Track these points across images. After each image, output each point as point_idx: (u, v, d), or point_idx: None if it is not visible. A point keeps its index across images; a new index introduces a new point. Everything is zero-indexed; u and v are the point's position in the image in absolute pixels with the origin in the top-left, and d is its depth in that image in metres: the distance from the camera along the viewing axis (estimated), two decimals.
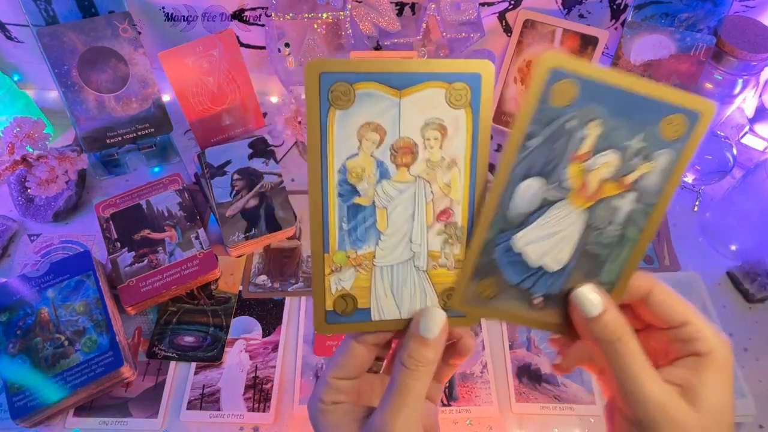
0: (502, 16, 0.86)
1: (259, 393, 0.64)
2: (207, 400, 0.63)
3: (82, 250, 0.74)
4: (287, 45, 0.81)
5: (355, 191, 0.33)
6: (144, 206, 0.74)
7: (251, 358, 0.67)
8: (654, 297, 0.34)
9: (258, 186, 0.75)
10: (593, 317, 0.33)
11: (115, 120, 0.79)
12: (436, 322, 0.34)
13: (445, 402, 0.64)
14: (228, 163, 0.76)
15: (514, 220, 0.34)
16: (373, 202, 0.34)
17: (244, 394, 0.64)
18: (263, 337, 0.68)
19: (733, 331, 0.70)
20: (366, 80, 0.32)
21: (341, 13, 0.78)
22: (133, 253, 0.70)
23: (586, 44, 0.83)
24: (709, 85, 0.82)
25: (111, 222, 0.72)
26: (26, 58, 0.89)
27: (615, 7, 0.84)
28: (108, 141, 0.79)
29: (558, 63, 0.31)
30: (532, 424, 0.63)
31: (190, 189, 0.78)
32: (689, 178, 0.84)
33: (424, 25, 0.80)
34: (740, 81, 0.80)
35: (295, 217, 0.75)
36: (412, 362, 0.33)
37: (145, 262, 0.69)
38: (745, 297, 0.73)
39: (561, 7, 0.85)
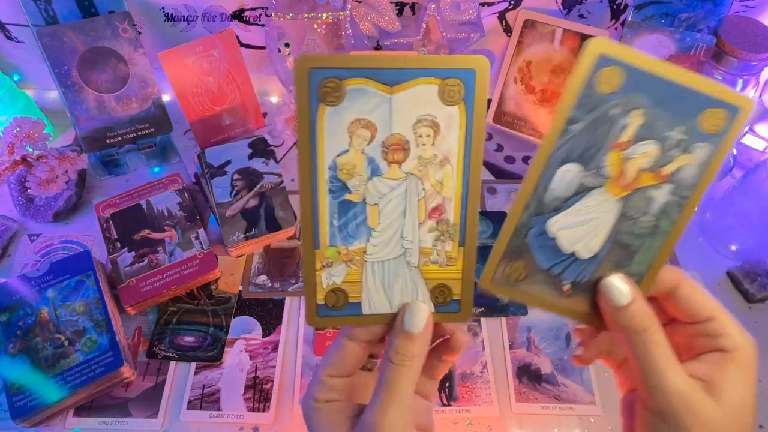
0: (502, 16, 0.86)
1: (259, 393, 0.64)
2: (207, 400, 0.63)
3: (82, 250, 0.74)
4: (287, 45, 0.81)
5: (345, 188, 0.33)
6: (144, 206, 0.74)
7: (251, 358, 0.67)
8: (681, 291, 0.34)
9: (258, 186, 0.75)
10: (621, 306, 0.33)
11: (115, 120, 0.79)
12: (421, 317, 0.34)
13: (445, 402, 0.63)
14: (228, 163, 0.76)
15: (550, 204, 0.33)
16: (364, 199, 0.34)
17: (244, 394, 0.64)
18: (263, 337, 0.68)
19: None
20: (356, 76, 0.31)
21: (341, 13, 0.77)
22: (133, 253, 0.70)
23: None
24: None
25: (111, 222, 0.72)
26: (26, 58, 0.89)
27: (615, 7, 0.84)
28: (108, 141, 0.79)
29: (606, 49, 0.30)
30: (532, 424, 0.63)
31: (190, 189, 0.78)
32: None
33: (424, 25, 0.80)
34: (740, 81, 0.80)
35: (295, 217, 0.75)
36: (398, 357, 0.33)
37: (145, 262, 0.69)
38: (745, 297, 0.73)
39: (561, 7, 0.85)
